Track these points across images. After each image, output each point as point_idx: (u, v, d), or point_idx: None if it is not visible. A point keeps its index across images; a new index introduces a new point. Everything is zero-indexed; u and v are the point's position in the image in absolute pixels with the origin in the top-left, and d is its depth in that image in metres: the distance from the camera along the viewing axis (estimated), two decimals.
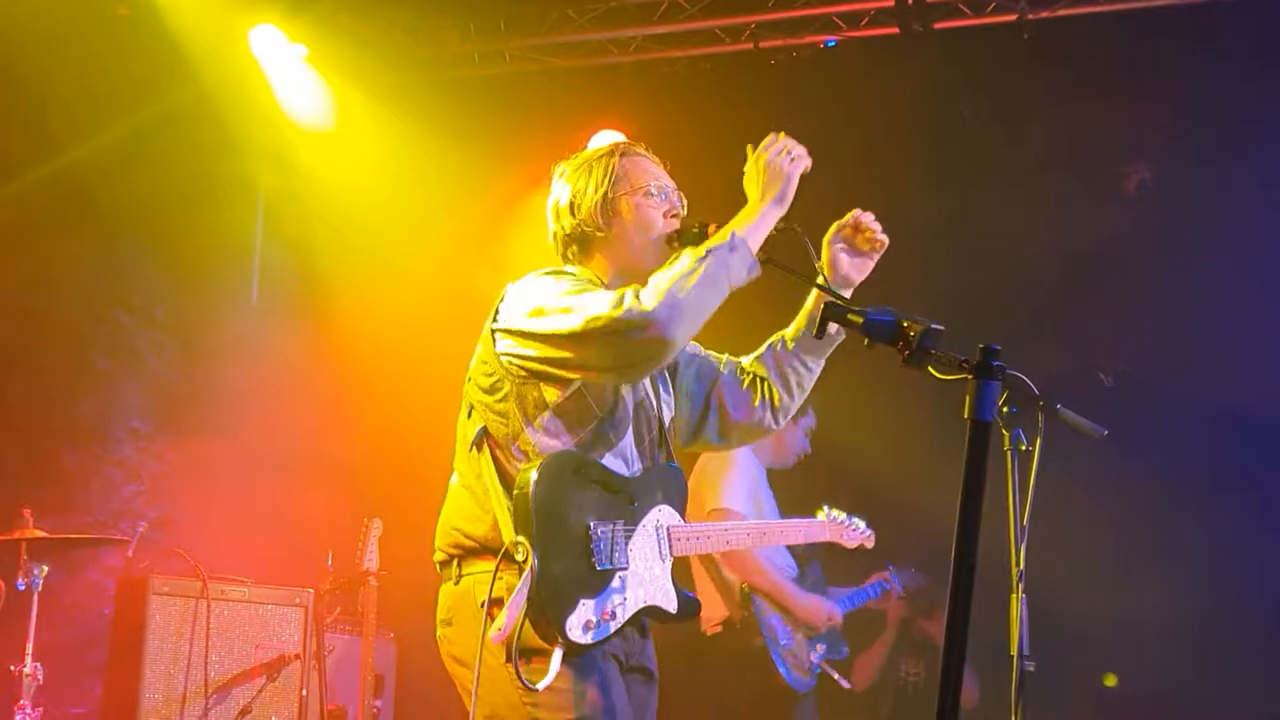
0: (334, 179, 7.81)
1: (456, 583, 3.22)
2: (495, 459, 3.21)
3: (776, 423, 3.58)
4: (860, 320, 2.75)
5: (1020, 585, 2.93)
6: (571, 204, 3.41)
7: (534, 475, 3.08)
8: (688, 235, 3.37)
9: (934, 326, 2.63)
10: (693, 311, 3.05)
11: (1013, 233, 7.10)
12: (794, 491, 6.09)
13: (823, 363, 3.57)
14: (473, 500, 3.21)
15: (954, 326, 2.68)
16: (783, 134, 3.38)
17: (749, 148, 3.37)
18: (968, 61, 7.25)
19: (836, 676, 6.15)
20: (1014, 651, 2.93)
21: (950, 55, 7.25)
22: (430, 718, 7.60)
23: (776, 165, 3.30)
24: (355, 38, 7.68)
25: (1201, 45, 6.85)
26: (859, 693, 7.34)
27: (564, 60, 7.92)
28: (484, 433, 3.24)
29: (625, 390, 3.30)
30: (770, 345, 3.60)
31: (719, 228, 3.28)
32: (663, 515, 3.37)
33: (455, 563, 3.23)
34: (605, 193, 3.39)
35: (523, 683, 3.00)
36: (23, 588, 5.47)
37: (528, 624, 3.02)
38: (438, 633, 3.31)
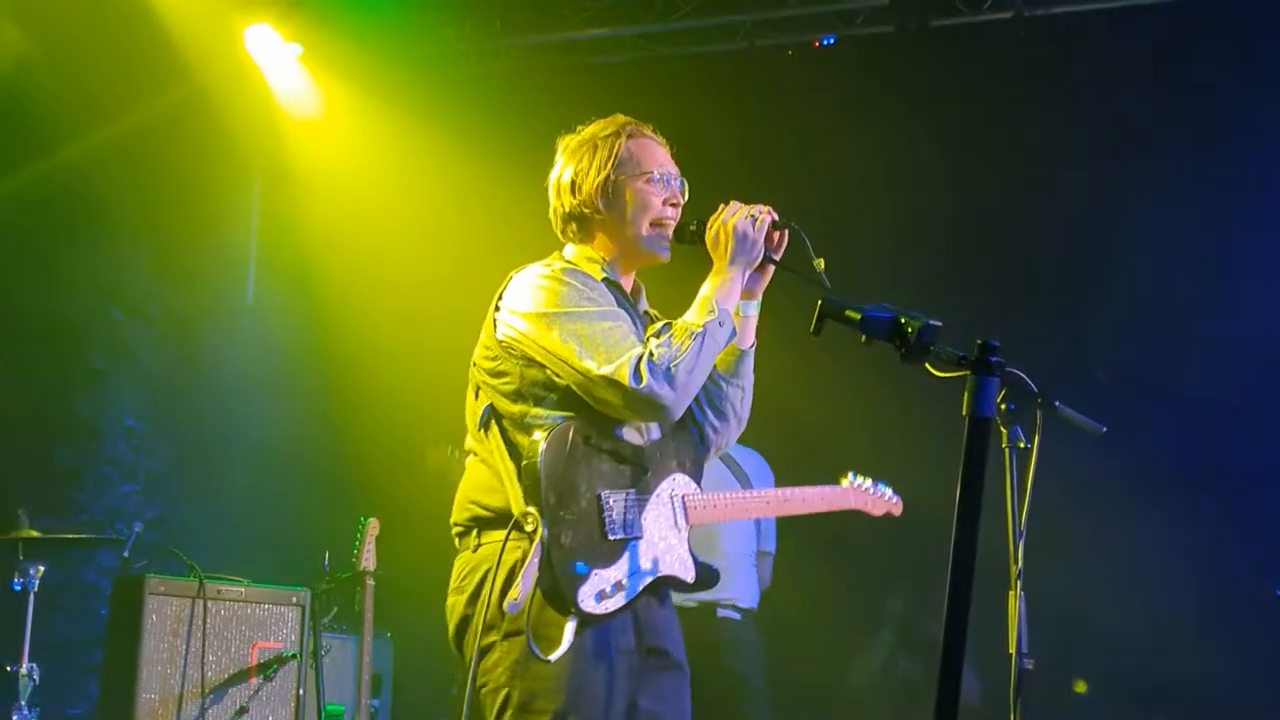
0: (329, 178, 7.81)
1: (474, 550, 3.20)
2: (505, 435, 3.21)
3: (707, 452, 3.53)
4: (858, 316, 2.74)
5: (1019, 583, 2.92)
6: (574, 182, 3.41)
7: (542, 445, 3.08)
8: (684, 234, 3.40)
9: (932, 323, 2.62)
10: (695, 390, 3.23)
11: (1010, 230, 7.10)
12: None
13: (741, 382, 3.47)
14: (489, 473, 3.21)
15: (951, 323, 2.67)
16: (733, 203, 3.38)
17: (721, 206, 3.38)
18: (963, 59, 7.26)
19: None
20: (1012, 649, 2.92)
21: (946, 53, 7.26)
22: (427, 717, 7.60)
23: (742, 230, 3.31)
24: (350, 36, 7.67)
25: (1198, 41, 6.86)
26: (857, 691, 7.35)
27: (559, 58, 7.92)
28: (491, 410, 3.25)
29: None
30: None
31: (701, 224, 3.36)
32: (677, 484, 3.35)
33: (474, 532, 3.21)
34: (608, 175, 3.38)
35: (535, 653, 3.00)
36: (19, 587, 5.46)
37: (540, 595, 3.02)
38: (448, 600, 3.28)
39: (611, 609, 3.12)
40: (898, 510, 4.41)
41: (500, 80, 7.89)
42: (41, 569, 5.49)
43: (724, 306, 3.26)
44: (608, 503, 3.15)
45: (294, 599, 5.94)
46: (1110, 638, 6.74)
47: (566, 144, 3.49)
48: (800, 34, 7.63)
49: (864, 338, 2.71)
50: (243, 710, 5.64)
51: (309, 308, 8.03)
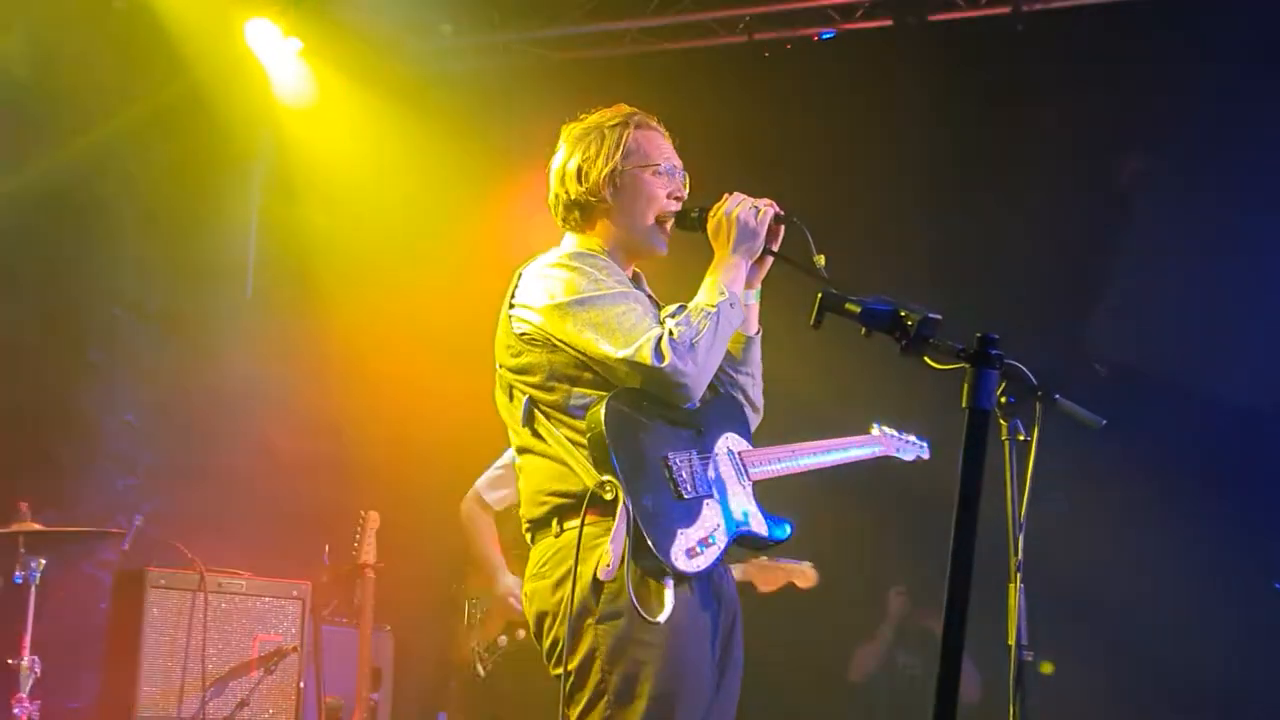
0: (329, 172, 7.81)
1: (557, 535, 3.19)
2: (554, 422, 3.22)
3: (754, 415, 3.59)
4: (858, 309, 2.76)
5: (1018, 575, 2.93)
6: (580, 169, 3.41)
7: (603, 413, 3.09)
8: (686, 220, 3.43)
9: (931, 315, 2.63)
10: (713, 368, 3.27)
11: (1009, 224, 7.11)
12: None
13: (750, 369, 3.51)
14: (553, 464, 3.20)
15: (951, 316, 2.68)
16: (736, 194, 3.42)
17: (725, 196, 3.41)
18: (962, 53, 7.27)
19: None
20: (1012, 641, 2.93)
21: (945, 48, 7.26)
22: (427, 710, 7.61)
23: (744, 221, 3.34)
24: (350, 31, 7.67)
25: (1197, 36, 6.86)
26: (857, 685, 7.37)
27: (558, 53, 7.92)
28: (532, 404, 3.25)
29: None
30: None
31: (703, 211, 3.39)
32: (732, 441, 3.38)
33: (554, 521, 3.20)
34: (615, 165, 3.39)
35: (641, 615, 3.00)
36: (20, 581, 5.47)
37: (632, 560, 3.02)
38: (526, 588, 3.27)
39: (704, 566, 3.14)
40: (926, 454, 4.35)
41: (498, 75, 7.89)
42: (43, 562, 5.50)
43: (733, 289, 3.30)
44: (675, 463, 3.17)
45: (294, 592, 5.96)
46: (1110, 634, 6.77)
47: (570, 131, 3.50)
48: (799, 28, 7.63)
49: (864, 330, 2.73)
50: (243, 703, 5.67)
51: (308, 302, 8.03)
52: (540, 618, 3.20)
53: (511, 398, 3.32)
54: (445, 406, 7.29)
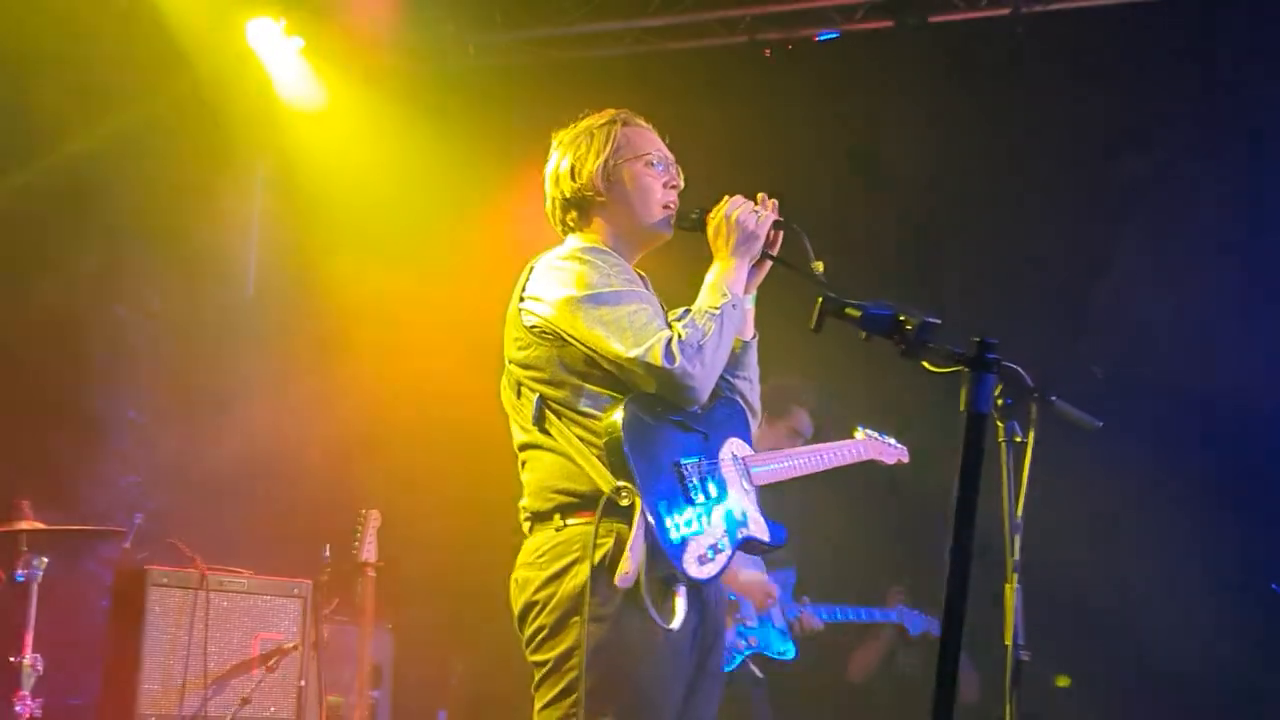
0: (331, 171, 7.82)
1: (559, 530, 3.20)
2: (565, 419, 3.23)
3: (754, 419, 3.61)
4: (858, 314, 2.77)
5: (1015, 575, 2.95)
6: (572, 169, 3.44)
7: (619, 418, 3.11)
8: (685, 219, 3.45)
9: (930, 320, 2.65)
10: (719, 370, 3.29)
11: (1007, 225, 7.12)
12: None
13: (747, 374, 3.52)
14: (563, 460, 3.21)
15: (949, 319, 2.70)
16: (737, 196, 3.44)
17: (725, 198, 3.43)
18: (962, 55, 7.28)
19: (756, 672, 6.00)
20: (1009, 641, 2.95)
21: (945, 49, 7.28)
22: (427, 708, 7.63)
23: (744, 223, 3.37)
24: (351, 30, 7.68)
25: (1198, 38, 6.87)
26: (856, 685, 7.37)
27: (559, 52, 7.93)
28: (543, 402, 3.26)
29: None
30: None
31: (703, 212, 3.42)
32: (736, 446, 3.41)
33: (558, 514, 3.21)
34: (607, 159, 3.42)
35: (658, 622, 3.04)
36: (22, 579, 5.48)
37: (648, 567, 3.04)
38: (517, 575, 3.27)
39: (714, 572, 3.18)
40: (905, 458, 4.48)
41: (500, 74, 7.90)
42: (44, 560, 5.51)
43: (734, 291, 3.33)
44: (686, 469, 3.20)
45: (295, 590, 5.97)
46: (1109, 632, 6.78)
47: (561, 137, 3.54)
48: (800, 29, 7.64)
49: (864, 334, 2.75)
50: (245, 701, 5.68)
51: (310, 300, 8.05)
52: (529, 606, 3.21)
53: (520, 395, 3.32)
54: (448, 405, 7.31)
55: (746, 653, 5.92)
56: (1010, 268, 7.09)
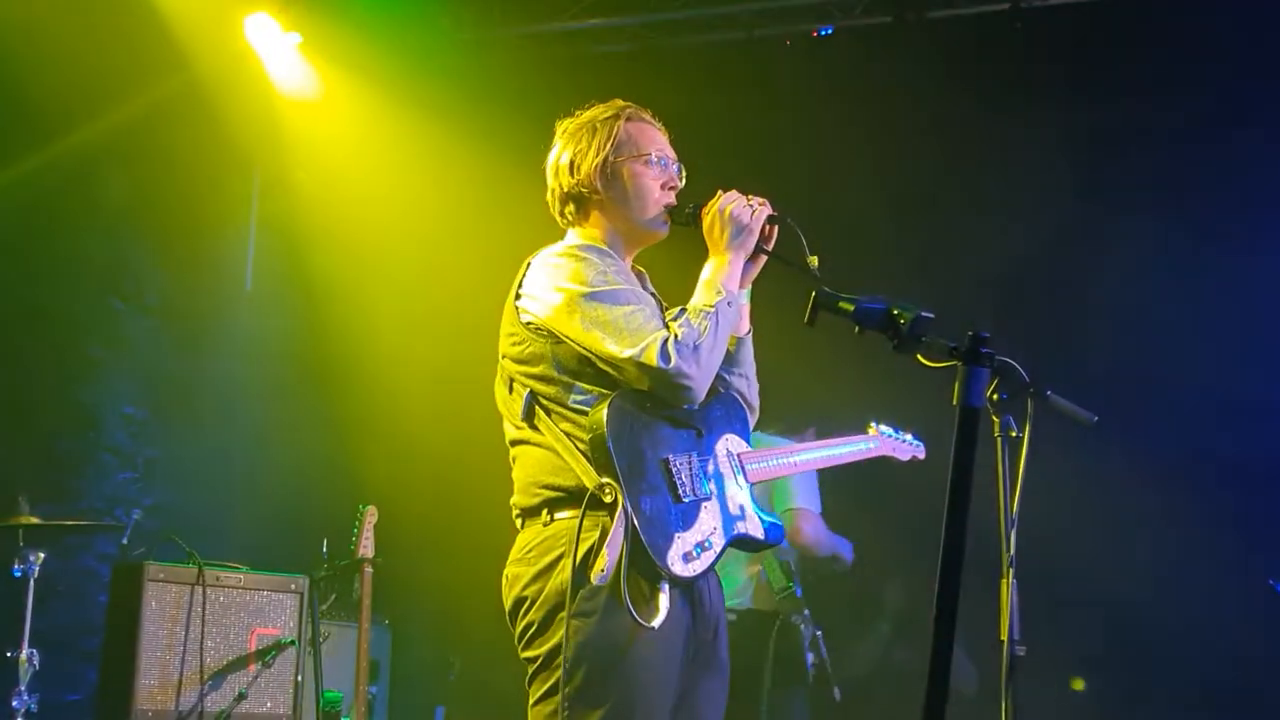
0: (328, 167, 7.82)
1: (546, 525, 3.19)
2: (554, 416, 3.22)
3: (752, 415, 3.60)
4: (851, 308, 2.77)
5: (1011, 570, 2.95)
6: (572, 163, 3.43)
7: (605, 414, 3.10)
8: (680, 215, 3.43)
9: (924, 314, 2.65)
10: (715, 369, 3.27)
11: (1005, 221, 7.11)
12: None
13: (744, 370, 3.52)
14: (550, 455, 3.21)
15: (945, 313, 2.70)
16: (733, 191, 3.43)
17: (719, 192, 3.42)
18: (961, 50, 7.28)
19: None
20: (1004, 636, 2.95)
21: (944, 44, 7.27)
22: (425, 704, 7.64)
23: (738, 218, 3.36)
24: (349, 25, 7.67)
25: (1197, 35, 6.87)
26: (854, 680, 7.37)
27: (558, 48, 7.93)
28: (533, 397, 3.25)
29: None
30: None
31: (697, 207, 3.40)
32: (731, 443, 3.39)
33: (544, 510, 3.21)
34: (607, 156, 3.41)
35: (636, 619, 3.02)
36: (19, 574, 5.48)
37: (628, 563, 3.03)
38: (508, 571, 3.26)
39: (700, 570, 3.15)
40: (922, 454, 4.35)
41: (499, 70, 7.89)
42: (41, 556, 5.52)
43: (729, 288, 3.31)
44: (675, 466, 3.18)
45: (293, 586, 5.96)
46: (1107, 632, 6.78)
47: (565, 127, 3.52)
48: (799, 24, 7.64)
49: (857, 328, 2.74)
50: (241, 696, 5.67)
51: (307, 296, 8.05)
52: (519, 602, 3.20)
53: (511, 390, 3.32)
54: (445, 401, 7.31)
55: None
56: (1007, 262, 7.07)
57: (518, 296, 3.33)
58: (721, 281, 3.31)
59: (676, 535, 3.12)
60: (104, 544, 6.95)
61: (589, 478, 3.10)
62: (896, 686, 7.17)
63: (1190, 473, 6.53)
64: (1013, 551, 2.94)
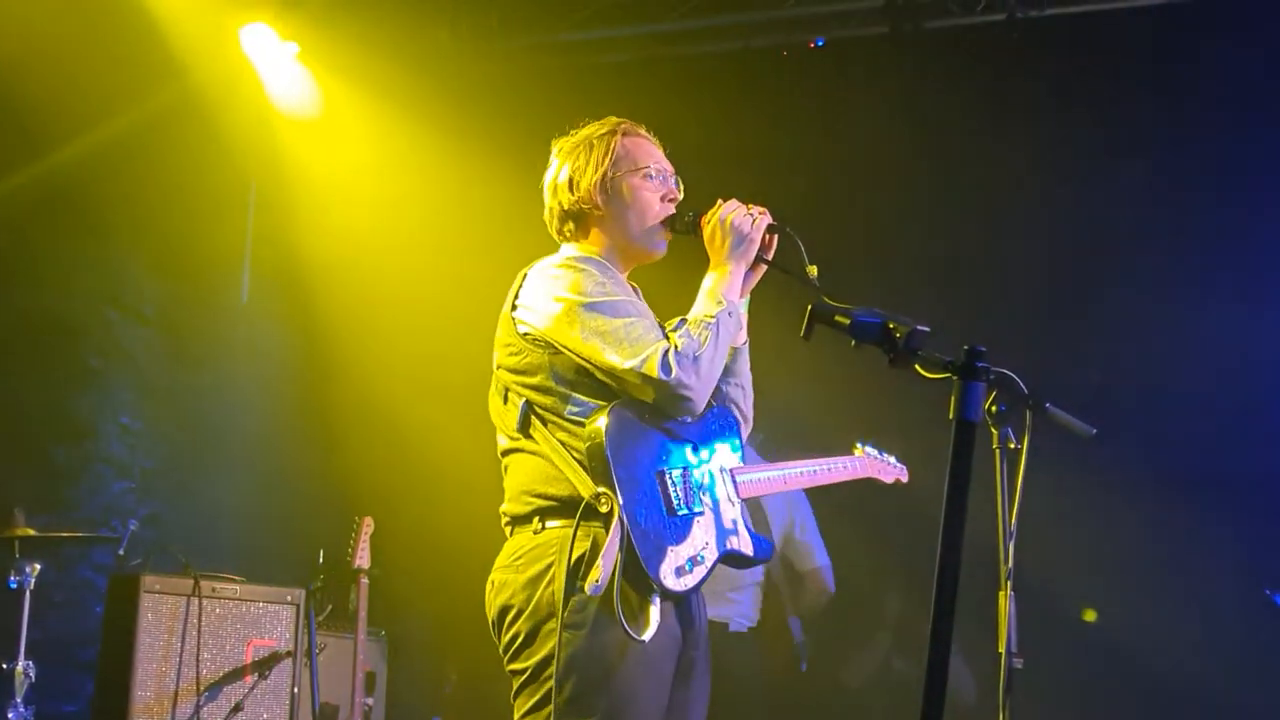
0: (325, 178, 7.81)
1: (537, 532, 3.19)
2: (550, 426, 3.22)
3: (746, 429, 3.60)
4: (848, 321, 2.77)
5: (1008, 583, 2.95)
6: (571, 180, 3.44)
7: (604, 424, 3.10)
8: (679, 223, 3.45)
9: (920, 328, 2.65)
10: (715, 380, 3.29)
11: (1003, 232, 7.12)
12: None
13: (739, 380, 3.52)
14: (545, 464, 3.20)
15: (944, 325, 2.70)
16: (733, 200, 3.44)
17: (719, 202, 3.43)
18: (958, 61, 7.28)
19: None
20: (1002, 648, 2.95)
21: (941, 55, 7.28)
22: (422, 715, 7.62)
23: (739, 227, 3.37)
24: (347, 36, 7.67)
25: (1195, 43, 6.88)
26: (852, 690, 7.37)
27: (554, 59, 7.93)
28: (529, 408, 3.25)
29: None
30: None
31: (696, 215, 3.42)
32: (724, 458, 3.40)
33: (535, 519, 3.20)
34: (605, 172, 3.41)
35: (628, 632, 3.01)
36: (14, 585, 5.49)
37: (620, 575, 3.02)
38: (494, 577, 3.26)
39: (691, 584, 3.15)
40: (905, 477, 4.38)
41: (497, 81, 7.89)
42: (37, 567, 5.52)
43: (730, 298, 3.32)
44: (669, 479, 3.19)
45: (289, 597, 5.96)
46: (1103, 640, 6.78)
47: (561, 145, 3.53)
48: (796, 35, 7.64)
49: (853, 342, 2.74)
50: (237, 708, 5.66)
51: (304, 307, 8.04)
52: (505, 610, 3.20)
53: (506, 400, 3.32)
54: (442, 412, 7.30)
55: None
56: (1005, 274, 7.08)
57: (514, 307, 3.33)
58: (723, 292, 3.32)
59: (670, 549, 3.12)
60: (100, 555, 6.94)
61: (585, 487, 3.10)
62: (895, 696, 7.17)
63: (1188, 483, 6.53)
64: (1010, 564, 2.94)
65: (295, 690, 5.85)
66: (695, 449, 3.31)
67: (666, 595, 3.11)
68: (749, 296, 3.49)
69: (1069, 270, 7.09)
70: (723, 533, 3.28)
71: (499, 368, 3.35)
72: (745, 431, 3.55)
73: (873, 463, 4.22)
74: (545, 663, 3.09)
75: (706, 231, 3.40)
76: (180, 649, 5.59)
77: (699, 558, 3.18)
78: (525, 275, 3.37)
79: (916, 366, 2.62)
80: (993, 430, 2.91)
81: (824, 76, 7.60)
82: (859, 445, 4.28)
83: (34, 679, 5.42)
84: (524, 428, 3.25)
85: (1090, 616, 6.97)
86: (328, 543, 6.32)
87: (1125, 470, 6.39)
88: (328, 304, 7.87)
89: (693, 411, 3.23)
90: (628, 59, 7.84)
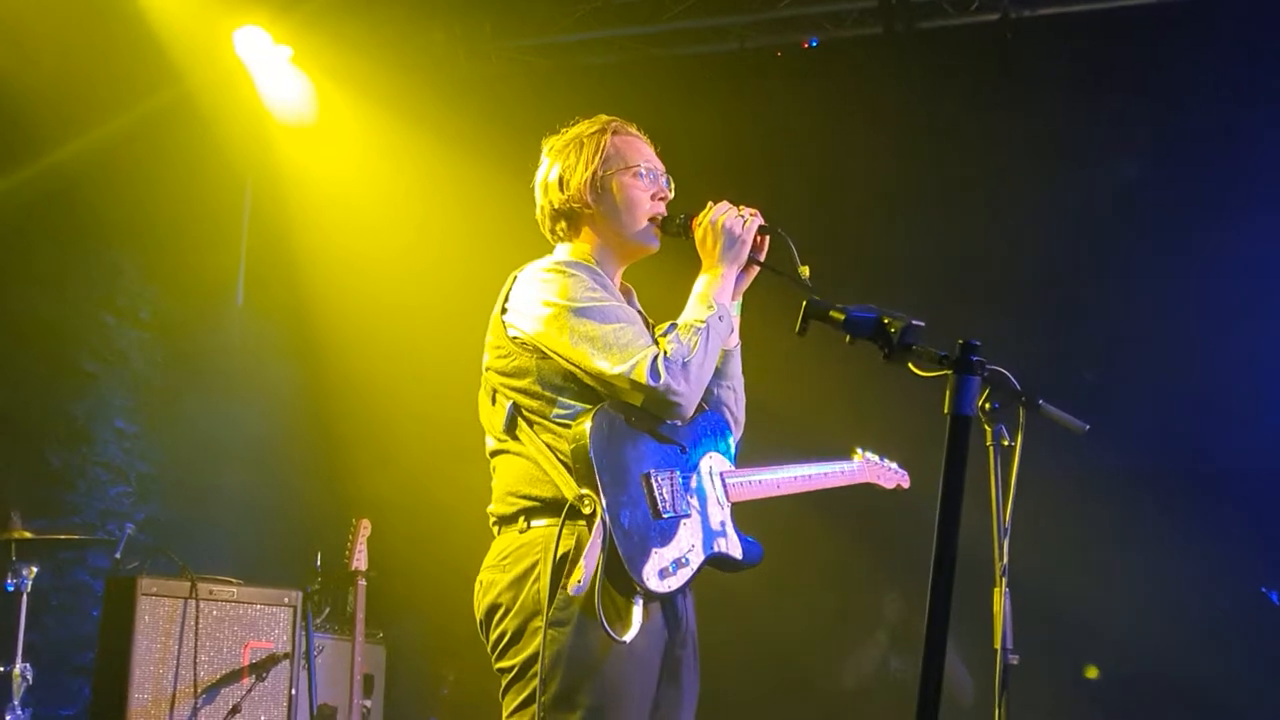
0: (320, 180, 7.82)
1: (522, 532, 3.19)
2: (536, 429, 3.22)
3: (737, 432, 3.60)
4: (842, 317, 2.77)
5: (1004, 579, 2.95)
6: (561, 179, 3.43)
7: (589, 426, 3.09)
8: (671, 225, 3.43)
9: (914, 323, 2.65)
10: (705, 385, 3.28)
11: (997, 230, 7.13)
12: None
13: (731, 383, 3.52)
14: (530, 465, 3.20)
15: (937, 321, 2.70)
16: (724, 203, 3.43)
17: (709, 204, 3.42)
18: (951, 61, 7.30)
19: None
20: (997, 645, 2.95)
21: (934, 55, 7.29)
22: (418, 717, 7.62)
23: (730, 229, 3.36)
24: (341, 39, 7.67)
25: (1187, 43, 6.89)
26: (851, 691, 7.38)
27: (549, 61, 7.94)
28: (516, 410, 3.25)
29: None
30: None
31: (688, 217, 3.40)
32: (714, 461, 3.39)
33: (521, 518, 3.20)
34: (595, 170, 3.41)
35: (609, 633, 3.01)
36: (11, 589, 5.49)
37: (603, 576, 3.02)
38: (482, 577, 3.26)
39: (675, 586, 3.15)
40: (906, 483, 4.34)
41: (491, 83, 7.90)
42: (34, 570, 5.52)
43: (721, 302, 3.31)
44: (656, 481, 3.18)
45: (286, 599, 5.96)
46: (1099, 637, 6.79)
47: (552, 144, 3.52)
48: (790, 35, 7.66)
49: (848, 337, 2.74)
50: (235, 710, 5.66)
51: (299, 310, 8.04)
52: (492, 609, 3.20)
53: (494, 401, 3.32)
54: (438, 414, 7.30)
55: None
56: (999, 271, 7.09)
57: (504, 310, 3.32)
58: (714, 295, 3.31)
59: (654, 550, 3.11)
60: (97, 558, 6.94)
61: (569, 489, 3.10)
62: (892, 695, 7.18)
63: (1181, 480, 6.55)
64: (1005, 561, 2.95)
65: (293, 692, 5.85)
66: (684, 451, 3.30)
67: (650, 596, 3.11)
68: (741, 299, 3.49)
69: (1062, 268, 7.10)
70: (710, 535, 3.28)
71: (488, 369, 3.35)
72: (737, 434, 3.55)
73: (872, 468, 4.19)
74: (531, 660, 3.09)
75: (698, 234, 3.39)
76: (177, 651, 5.60)
77: (684, 560, 3.18)
78: (515, 278, 3.36)
79: (910, 363, 2.62)
80: (986, 428, 2.91)
81: (818, 77, 7.61)
82: (858, 450, 4.26)
83: (31, 682, 5.42)
84: (510, 429, 3.25)
85: (1093, 673, 6.99)
86: (325, 545, 6.32)
87: (1121, 466, 6.40)
88: (323, 306, 7.87)
89: (682, 416, 3.23)
90: (621, 60, 7.85)
